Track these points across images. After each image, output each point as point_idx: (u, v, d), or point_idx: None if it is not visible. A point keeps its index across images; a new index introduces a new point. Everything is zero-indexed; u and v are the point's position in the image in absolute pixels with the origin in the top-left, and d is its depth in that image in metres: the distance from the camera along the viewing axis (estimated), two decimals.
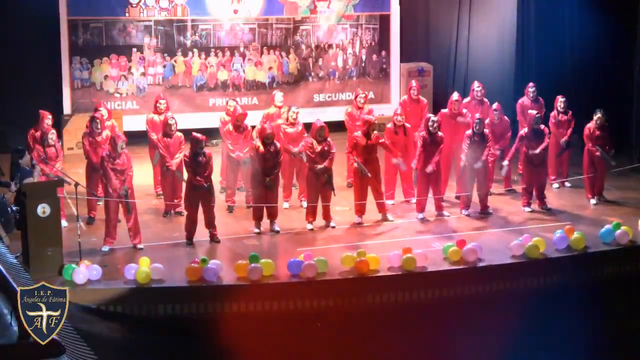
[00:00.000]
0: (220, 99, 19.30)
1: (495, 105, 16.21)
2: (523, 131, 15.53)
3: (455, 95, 16.35)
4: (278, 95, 16.47)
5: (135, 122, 18.05)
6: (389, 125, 15.59)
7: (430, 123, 14.98)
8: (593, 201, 15.84)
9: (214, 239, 14.09)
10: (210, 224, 14.07)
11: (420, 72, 20.44)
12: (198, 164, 13.92)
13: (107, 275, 12.69)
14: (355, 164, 14.68)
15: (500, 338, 12.78)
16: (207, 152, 14.09)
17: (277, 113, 16.12)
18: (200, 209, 14.01)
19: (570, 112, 16.30)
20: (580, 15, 19.27)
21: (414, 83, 17.11)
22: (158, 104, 15.91)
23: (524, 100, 16.85)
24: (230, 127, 15.46)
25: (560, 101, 16.36)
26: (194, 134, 14.23)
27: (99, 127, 14.88)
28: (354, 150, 14.79)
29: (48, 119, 14.92)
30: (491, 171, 15.98)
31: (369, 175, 14.65)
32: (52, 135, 14.45)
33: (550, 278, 13.53)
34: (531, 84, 16.98)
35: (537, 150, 15.23)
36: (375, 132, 14.90)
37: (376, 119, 15.46)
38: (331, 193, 14.60)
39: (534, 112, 15.68)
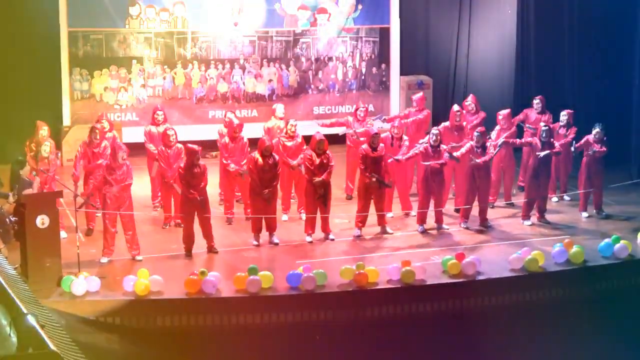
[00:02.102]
0: (220, 111, 19.28)
1: (470, 98, 16.80)
2: (534, 139, 15.52)
3: (456, 107, 16.42)
4: (279, 108, 16.47)
5: (135, 134, 18.03)
6: (386, 135, 15.63)
7: (431, 136, 15.00)
8: (585, 214, 15.85)
9: (211, 249, 14.08)
10: (206, 235, 14.07)
11: (419, 85, 20.46)
12: (193, 176, 13.91)
13: (105, 287, 12.68)
14: (374, 179, 14.67)
15: (499, 351, 12.78)
16: (202, 164, 14.08)
17: (277, 125, 16.12)
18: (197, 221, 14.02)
19: (574, 128, 16.35)
20: (580, 29, 19.32)
21: (415, 96, 17.24)
22: (156, 116, 15.92)
23: (529, 111, 16.91)
24: (226, 139, 15.44)
25: (562, 115, 16.42)
26: (189, 145, 14.23)
27: (98, 137, 14.88)
28: (363, 164, 14.78)
29: (43, 130, 14.82)
30: (493, 184, 16.00)
31: (390, 185, 14.77)
32: (46, 147, 14.32)
33: (549, 292, 13.51)
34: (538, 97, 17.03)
35: (542, 154, 15.23)
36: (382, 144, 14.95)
37: (379, 130, 15.47)
38: (329, 205, 14.61)
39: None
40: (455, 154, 15.08)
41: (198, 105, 19.71)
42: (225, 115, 16.42)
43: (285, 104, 17.44)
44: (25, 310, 8.07)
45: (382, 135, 15.57)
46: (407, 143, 15.39)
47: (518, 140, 15.93)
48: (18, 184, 13.73)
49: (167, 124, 15.86)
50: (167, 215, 15.20)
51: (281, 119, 16.21)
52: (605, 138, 15.68)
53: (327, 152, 14.68)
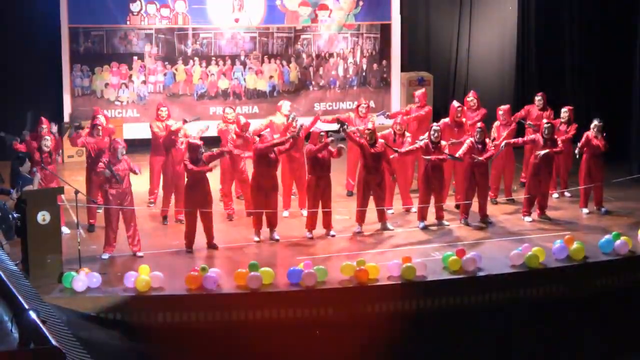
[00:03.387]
0: (221, 107, 19.24)
1: (471, 94, 16.87)
2: (536, 136, 15.53)
3: (456, 103, 16.43)
4: (285, 105, 16.39)
5: (136, 130, 18.05)
6: (389, 131, 15.63)
7: (432, 132, 15.00)
8: (585, 210, 15.86)
9: (211, 245, 14.10)
10: (207, 230, 14.08)
11: (420, 82, 20.45)
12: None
13: (106, 283, 12.70)
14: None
15: (500, 347, 12.80)
16: (205, 155, 14.11)
17: (282, 122, 16.07)
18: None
19: (574, 125, 16.36)
20: (581, 26, 19.32)
21: (417, 92, 17.25)
22: (160, 112, 15.94)
23: (531, 108, 16.92)
24: (233, 135, 15.45)
25: (562, 111, 16.43)
26: (191, 140, 14.27)
27: (100, 134, 14.93)
28: (363, 160, 14.81)
29: (42, 127, 14.89)
30: (494, 180, 16.04)
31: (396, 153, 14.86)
32: (46, 141, 14.42)
33: (550, 288, 13.52)
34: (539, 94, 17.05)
35: (541, 153, 15.23)
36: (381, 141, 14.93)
37: (373, 127, 15.45)
38: (330, 202, 14.62)
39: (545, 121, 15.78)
40: (457, 154, 15.06)
41: (199, 101, 19.72)
42: (223, 111, 16.37)
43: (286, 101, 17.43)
44: (27, 306, 8.08)
45: (385, 131, 15.58)
46: (409, 139, 15.41)
47: (521, 139, 15.93)
48: (20, 180, 13.72)
49: (171, 119, 15.88)
50: (165, 210, 15.22)
51: (286, 116, 16.15)
52: (605, 133, 15.69)
53: (329, 147, 14.69)
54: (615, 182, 16.38)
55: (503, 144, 15.58)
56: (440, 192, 15.19)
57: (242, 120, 15.69)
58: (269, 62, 20.02)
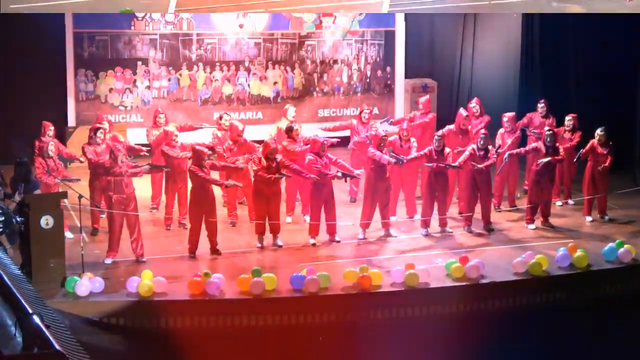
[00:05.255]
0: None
1: (474, 100, 16.83)
2: (539, 144, 15.52)
3: (464, 112, 16.42)
4: (291, 110, 16.38)
5: (140, 135, 18.03)
6: (394, 138, 15.62)
7: (435, 139, 15.00)
8: (589, 218, 15.86)
9: (214, 251, 14.09)
10: (211, 236, 14.08)
11: (424, 88, 20.47)
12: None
13: (109, 288, 12.70)
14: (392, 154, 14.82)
15: (501, 355, 12.78)
16: (209, 163, 14.13)
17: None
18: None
19: (579, 132, 16.37)
20: (585, 33, 19.31)
21: (421, 99, 17.24)
22: (158, 118, 15.97)
23: (533, 115, 16.92)
24: (229, 142, 15.44)
25: (567, 119, 16.43)
26: (197, 147, 14.28)
27: (102, 137, 14.91)
28: (371, 163, 14.83)
29: (49, 130, 14.92)
30: (497, 187, 16.03)
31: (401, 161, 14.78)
32: (52, 147, 14.44)
33: (552, 295, 13.51)
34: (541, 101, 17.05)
35: (542, 161, 15.22)
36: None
37: (386, 133, 15.48)
38: (334, 208, 14.62)
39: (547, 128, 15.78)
40: (457, 161, 15.04)
41: (203, 107, 19.74)
42: (220, 118, 16.31)
43: None
44: (30, 310, 8.09)
45: (391, 138, 15.56)
46: (415, 144, 15.40)
47: (523, 149, 15.93)
48: (24, 183, 13.70)
49: (169, 125, 15.87)
50: (169, 218, 15.22)
51: (292, 121, 16.12)
52: (611, 142, 15.68)
53: (329, 155, 14.71)
54: (621, 192, 16.35)
55: (506, 155, 15.58)
56: (444, 199, 15.19)
57: (240, 126, 15.63)
58: (273, 68, 20.04)
